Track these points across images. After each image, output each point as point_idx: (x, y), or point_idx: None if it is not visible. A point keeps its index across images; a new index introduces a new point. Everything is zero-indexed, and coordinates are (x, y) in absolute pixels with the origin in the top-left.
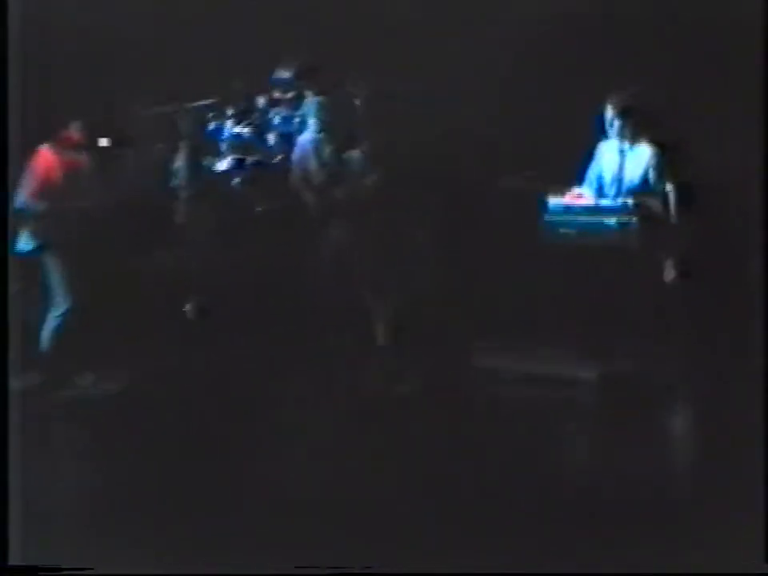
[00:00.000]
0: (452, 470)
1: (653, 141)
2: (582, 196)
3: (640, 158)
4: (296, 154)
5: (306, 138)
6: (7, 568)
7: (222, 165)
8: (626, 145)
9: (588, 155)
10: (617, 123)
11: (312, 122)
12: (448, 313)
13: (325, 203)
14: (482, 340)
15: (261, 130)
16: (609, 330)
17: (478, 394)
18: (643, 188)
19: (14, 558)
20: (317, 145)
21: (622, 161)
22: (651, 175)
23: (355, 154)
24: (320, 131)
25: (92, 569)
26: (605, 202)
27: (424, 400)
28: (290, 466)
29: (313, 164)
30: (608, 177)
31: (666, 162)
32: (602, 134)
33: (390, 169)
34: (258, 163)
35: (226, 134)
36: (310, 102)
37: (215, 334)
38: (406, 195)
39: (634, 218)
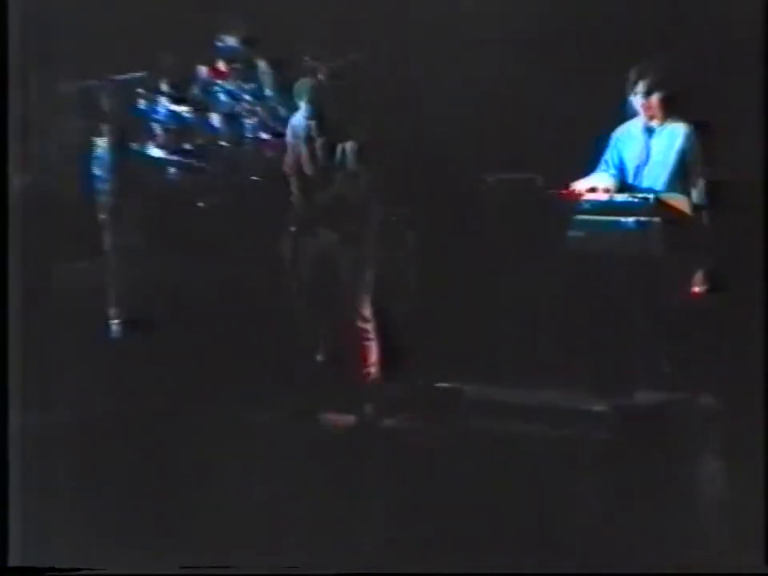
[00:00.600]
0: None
1: (688, 118)
2: (594, 190)
3: (671, 139)
4: (290, 136)
5: (298, 120)
6: (7, 569)
7: (155, 151)
8: (655, 122)
9: (602, 140)
10: (643, 94)
11: (304, 107)
12: (434, 333)
13: (313, 201)
14: (473, 366)
15: (202, 108)
16: (625, 355)
17: (467, 431)
18: (673, 177)
19: (14, 559)
20: (308, 132)
21: (648, 142)
22: (684, 161)
23: (349, 146)
24: (312, 118)
25: (92, 569)
26: (620, 198)
27: (407, 434)
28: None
29: (304, 153)
30: (630, 164)
31: (702, 145)
32: (624, 112)
33: (385, 166)
34: (199, 149)
35: (159, 113)
36: (302, 83)
37: (147, 360)
38: (397, 196)
39: (657, 218)
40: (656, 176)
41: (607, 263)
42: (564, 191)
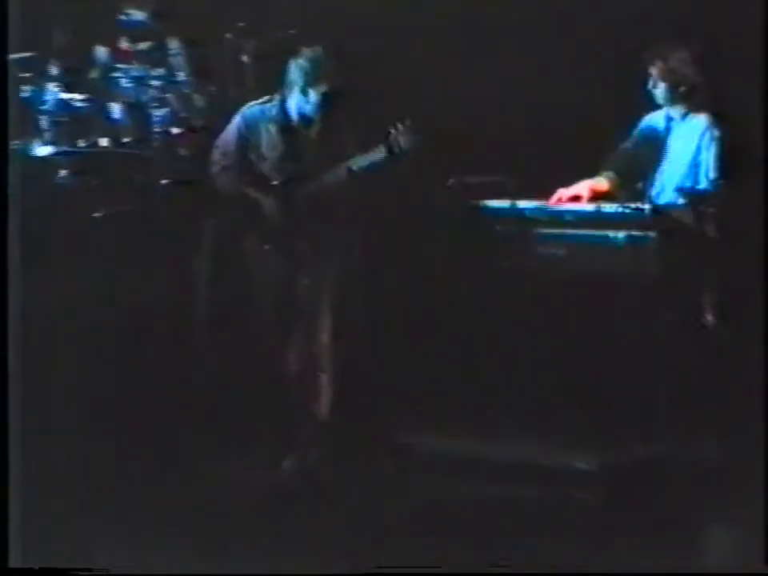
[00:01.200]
0: None
1: (713, 111)
2: (579, 198)
3: (694, 133)
4: (234, 129)
5: (256, 109)
6: (7, 569)
7: (42, 149)
8: (677, 112)
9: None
10: (664, 89)
11: (295, 88)
12: (388, 369)
13: (282, 205)
14: (432, 413)
15: (101, 96)
16: (615, 400)
17: (421, 490)
18: (687, 179)
19: (14, 560)
20: (283, 122)
21: (666, 135)
22: (703, 161)
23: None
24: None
25: (92, 569)
26: (609, 208)
27: (347, 490)
28: None
29: (269, 148)
30: (644, 158)
31: (726, 143)
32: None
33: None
34: (96, 146)
35: (48, 102)
36: (308, 55)
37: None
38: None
39: (653, 232)
40: (669, 175)
41: (593, 286)
42: (545, 198)
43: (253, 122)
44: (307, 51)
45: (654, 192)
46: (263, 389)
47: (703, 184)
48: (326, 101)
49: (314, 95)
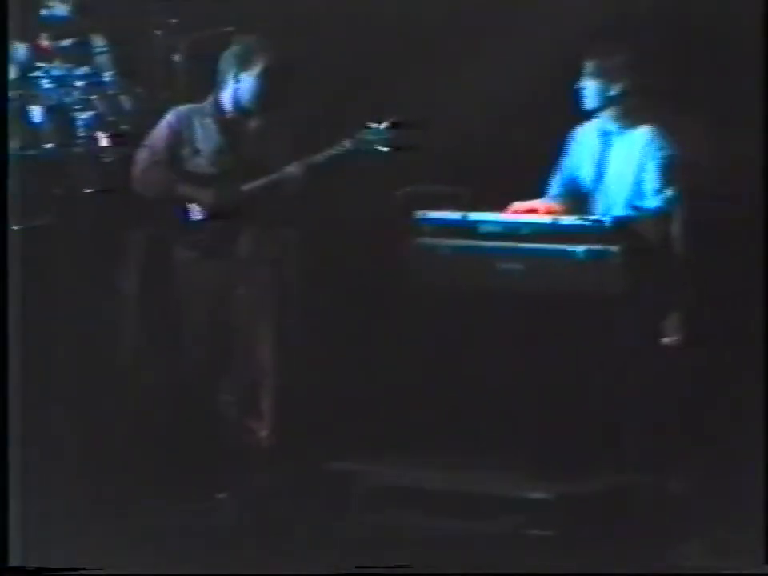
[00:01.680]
0: None
1: (656, 122)
2: (535, 210)
3: (634, 147)
4: (165, 125)
5: (189, 107)
6: (7, 569)
7: None
8: (614, 125)
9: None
10: (597, 89)
11: (227, 77)
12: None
13: (218, 201)
14: (378, 441)
15: (18, 98)
16: (574, 427)
17: (366, 524)
18: (636, 195)
19: (14, 559)
20: (218, 114)
21: (605, 150)
22: (649, 174)
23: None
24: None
25: (92, 569)
26: (567, 221)
27: (291, 524)
28: None
29: (204, 141)
30: (585, 177)
31: (674, 156)
32: (578, 113)
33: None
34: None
35: None
36: (239, 41)
37: None
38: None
39: (614, 246)
40: (615, 193)
41: (550, 303)
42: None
43: (185, 118)
44: (240, 40)
45: (604, 208)
46: (195, 415)
47: (654, 201)
48: (260, 88)
49: (247, 79)
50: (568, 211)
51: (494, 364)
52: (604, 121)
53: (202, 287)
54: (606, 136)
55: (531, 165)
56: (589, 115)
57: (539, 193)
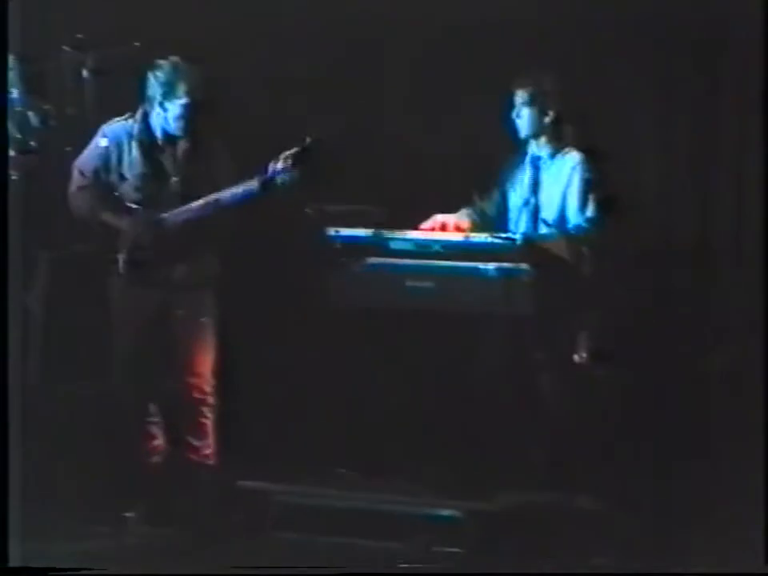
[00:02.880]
0: None
1: (583, 146)
2: (445, 227)
3: (562, 172)
4: (94, 147)
5: (118, 126)
6: (7, 569)
7: None
8: (545, 151)
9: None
10: (529, 116)
11: (154, 102)
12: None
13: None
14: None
15: None
16: (484, 444)
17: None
18: (561, 215)
19: (14, 559)
20: (146, 139)
21: (534, 176)
22: (573, 194)
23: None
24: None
25: (92, 569)
26: (478, 238)
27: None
28: None
29: (130, 167)
30: (512, 203)
31: (595, 176)
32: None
33: None
34: None
35: None
36: (164, 67)
37: None
38: None
39: (525, 264)
40: (541, 219)
41: (462, 321)
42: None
43: (114, 140)
44: (163, 62)
45: (523, 227)
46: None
47: (574, 220)
48: (187, 116)
49: (173, 109)
50: (478, 228)
51: (404, 382)
52: (534, 147)
53: (131, 313)
54: (536, 161)
55: (445, 182)
56: (520, 142)
57: (450, 210)
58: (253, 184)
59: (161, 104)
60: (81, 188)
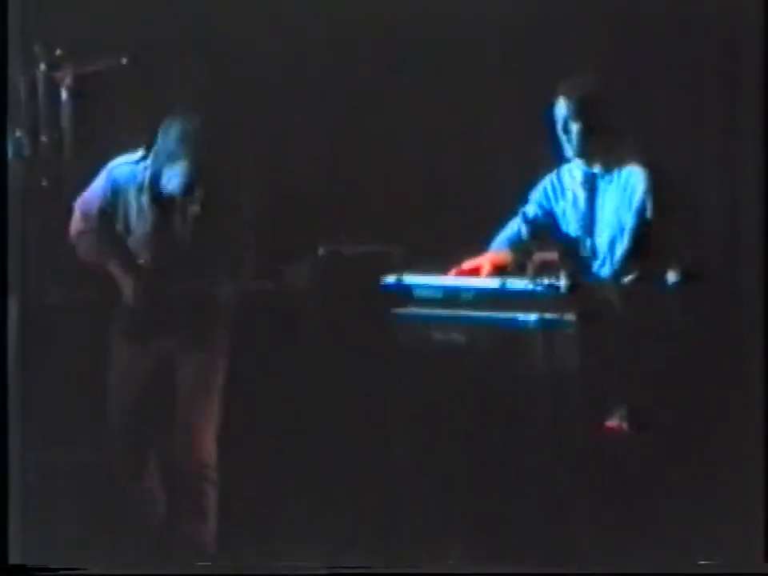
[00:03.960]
0: None
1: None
2: (478, 271)
3: (625, 192)
4: (99, 190)
5: (125, 168)
6: (7, 568)
7: None
8: (598, 167)
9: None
10: (576, 128)
11: (163, 155)
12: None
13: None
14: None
15: None
16: (523, 509)
17: None
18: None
19: (14, 559)
20: (154, 191)
21: (589, 197)
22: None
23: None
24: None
25: (92, 569)
26: (517, 284)
27: None
28: None
29: (138, 220)
30: (566, 229)
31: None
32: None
33: None
34: None
35: None
36: (174, 123)
37: None
38: None
39: (571, 314)
40: (608, 246)
41: (498, 379)
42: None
43: (121, 184)
44: (180, 117)
45: (572, 266)
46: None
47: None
48: (200, 175)
49: (185, 167)
50: (518, 262)
51: (431, 450)
52: (582, 163)
53: (134, 376)
54: (590, 177)
55: (473, 218)
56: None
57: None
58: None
59: (170, 158)
60: (83, 233)
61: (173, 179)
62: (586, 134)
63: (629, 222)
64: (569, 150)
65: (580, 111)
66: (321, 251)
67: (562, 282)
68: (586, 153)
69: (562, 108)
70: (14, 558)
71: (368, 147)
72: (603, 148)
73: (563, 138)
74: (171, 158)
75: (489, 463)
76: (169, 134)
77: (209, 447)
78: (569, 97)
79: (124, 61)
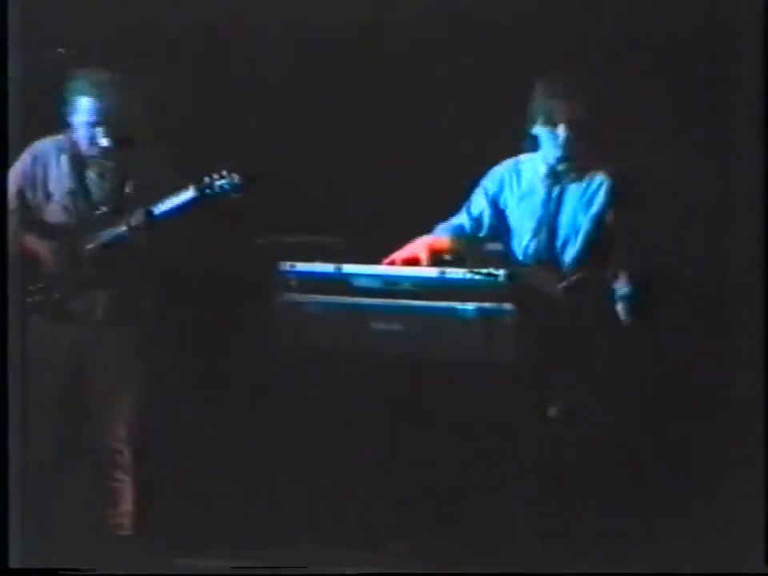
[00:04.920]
0: None
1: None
2: (416, 260)
3: (588, 195)
4: (19, 166)
5: (48, 141)
6: (7, 569)
7: None
8: (565, 165)
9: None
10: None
11: (83, 113)
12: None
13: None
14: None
15: None
16: (460, 503)
17: None
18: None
19: (14, 560)
20: (74, 151)
21: (553, 193)
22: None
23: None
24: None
25: (92, 569)
26: (455, 274)
27: None
28: None
29: (57, 183)
30: (520, 221)
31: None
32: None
33: None
34: None
35: None
36: (78, 78)
37: None
38: None
39: (509, 303)
40: (564, 245)
41: (436, 369)
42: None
43: (42, 156)
44: (84, 71)
45: (516, 254)
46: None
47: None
48: (115, 130)
49: (100, 126)
50: (461, 248)
51: (368, 435)
52: (557, 161)
53: (55, 354)
54: (556, 177)
55: (422, 205)
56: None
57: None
58: (188, 193)
59: (88, 111)
60: (10, 213)
61: (90, 133)
62: (568, 133)
63: (584, 224)
64: (548, 146)
65: (564, 110)
66: (260, 240)
67: (501, 272)
68: (564, 150)
69: (545, 104)
70: (14, 558)
71: (311, 136)
72: (577, 148)
73: (543, 133)
74: (86, 115)
75: (426, 452)
76: (78, 91)
77: (120, 429)
78: (554, 94)
79: (62, 51)
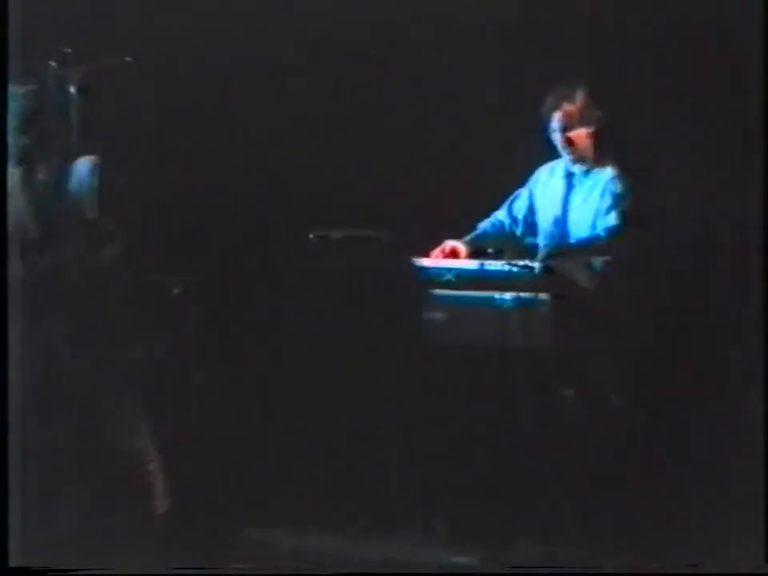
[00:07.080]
0: None
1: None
2: (456, 254)
3: (594, 189)
4: None
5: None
6: (8, 569)
7: None
8: (577, 167)
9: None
10: (561, 127)
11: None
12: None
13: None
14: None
15: None
16: (501, 495)
17: None
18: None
19: (14, 559)
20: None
21: (568, 192)
22: (605, 216)
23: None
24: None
25: (92, 569)
26: (494, 266)
27: None
28: None
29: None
30: (545, 221)
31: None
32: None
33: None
34: None
35: None
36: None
37: None
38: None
39: (545, 294)
40: (575, 237)
41: (477, 355)
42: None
43: None
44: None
45: (547, 250)
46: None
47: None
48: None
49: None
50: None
51: (414, 422)
52: (572, 162)
53: None
54: (569, 178)
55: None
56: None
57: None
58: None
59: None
60: None
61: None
62: (572, 140)
63: (597, 222)
64: (554, 148)
65: (570, 118)
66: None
67: (536, 264)
68: (572, 155)
69: (554, 115)
70: (14, 558)
71: (357, 136)
72: (587, 151)
73: (553, 138)
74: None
75: (469, 439)
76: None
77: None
78: (559, 104)
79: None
